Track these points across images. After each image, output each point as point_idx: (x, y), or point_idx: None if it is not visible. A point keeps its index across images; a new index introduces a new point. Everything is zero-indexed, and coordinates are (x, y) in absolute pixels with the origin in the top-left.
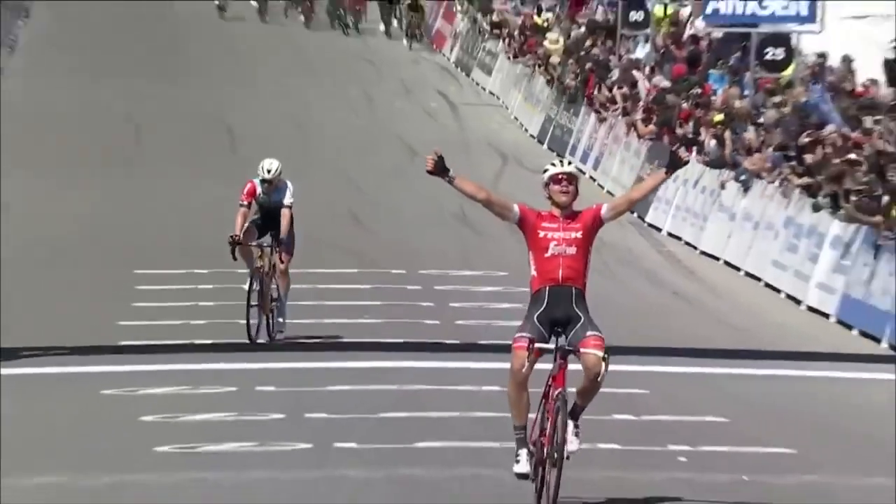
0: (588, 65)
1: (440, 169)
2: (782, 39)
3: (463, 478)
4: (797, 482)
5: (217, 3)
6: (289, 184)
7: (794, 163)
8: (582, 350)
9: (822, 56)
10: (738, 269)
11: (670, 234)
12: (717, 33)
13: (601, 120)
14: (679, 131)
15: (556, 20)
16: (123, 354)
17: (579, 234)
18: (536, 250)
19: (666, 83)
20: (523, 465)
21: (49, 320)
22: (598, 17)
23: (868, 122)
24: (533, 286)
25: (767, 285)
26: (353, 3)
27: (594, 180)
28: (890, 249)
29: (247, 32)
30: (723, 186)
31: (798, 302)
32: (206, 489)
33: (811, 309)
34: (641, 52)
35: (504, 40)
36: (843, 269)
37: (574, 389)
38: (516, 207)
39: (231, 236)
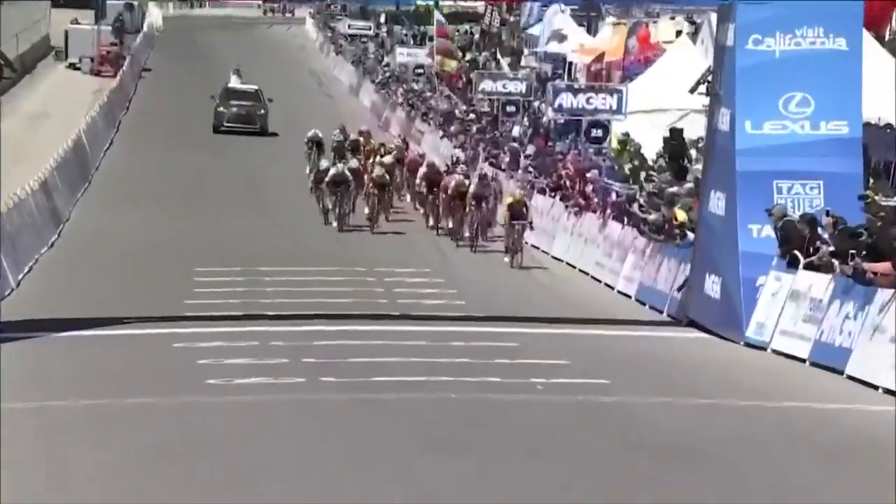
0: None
1: None
2: (601, 124)
3: (400, 400)
4: (611, 401)
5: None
6: None
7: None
8: None
9: (626, 134)
10: (573, 266)
11: (533, 245)
12: (561, 119)
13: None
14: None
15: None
16: (188, 321)
17: None
18: None
19: (533, 149)
20: None
21: (143, 299)
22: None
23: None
24: None
25: (593, 277)
26: None
27: None
28: (671, 253)
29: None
30: (572, 216)
31: (612, 288)
32: (239, 406)
33: (620, 292)
34: (517, 130)
35: (429, 123)
36: (640, 267)
37: None
38: None
39: None
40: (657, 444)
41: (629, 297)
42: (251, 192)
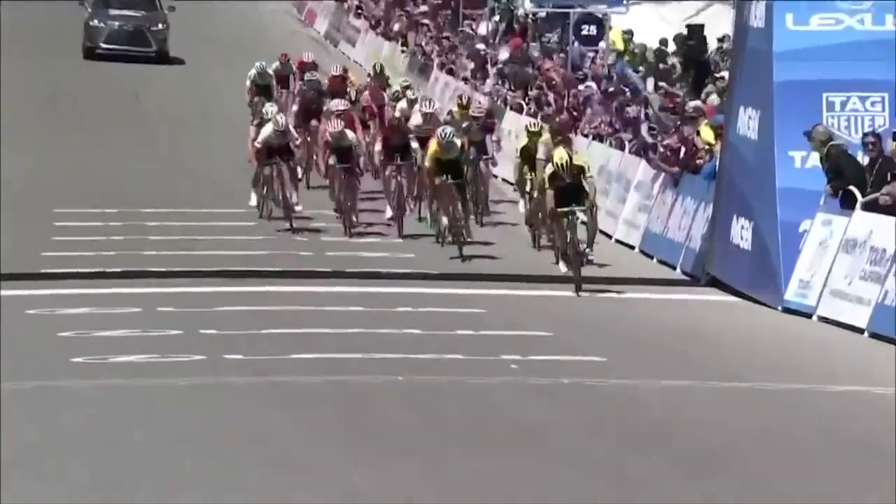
0: (430, 38)
1: None
2: (595, 18)
3: (329, 384)
4: (607, 385)
5: None
6: None
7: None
8: None
9: (629, 33)
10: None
11: (504, 179)
12: (542, 13)
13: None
14: (532, 93)
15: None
16: (45, 280)
17: None
18: None
19: (505, 54)
20: None
21: None
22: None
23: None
24: None
25: (583, 222)
26: None
27: None
28: (688, 188)
29: None
30: None
31: (609, 236)
32: (116, 393)
33: (619, 242)
34: (484, 27)
35: (366, 18)
36: (646, 208)
37: None
38: None
39: None
40: (666, 441)
41: (632, 247)
42: (131, 112)
